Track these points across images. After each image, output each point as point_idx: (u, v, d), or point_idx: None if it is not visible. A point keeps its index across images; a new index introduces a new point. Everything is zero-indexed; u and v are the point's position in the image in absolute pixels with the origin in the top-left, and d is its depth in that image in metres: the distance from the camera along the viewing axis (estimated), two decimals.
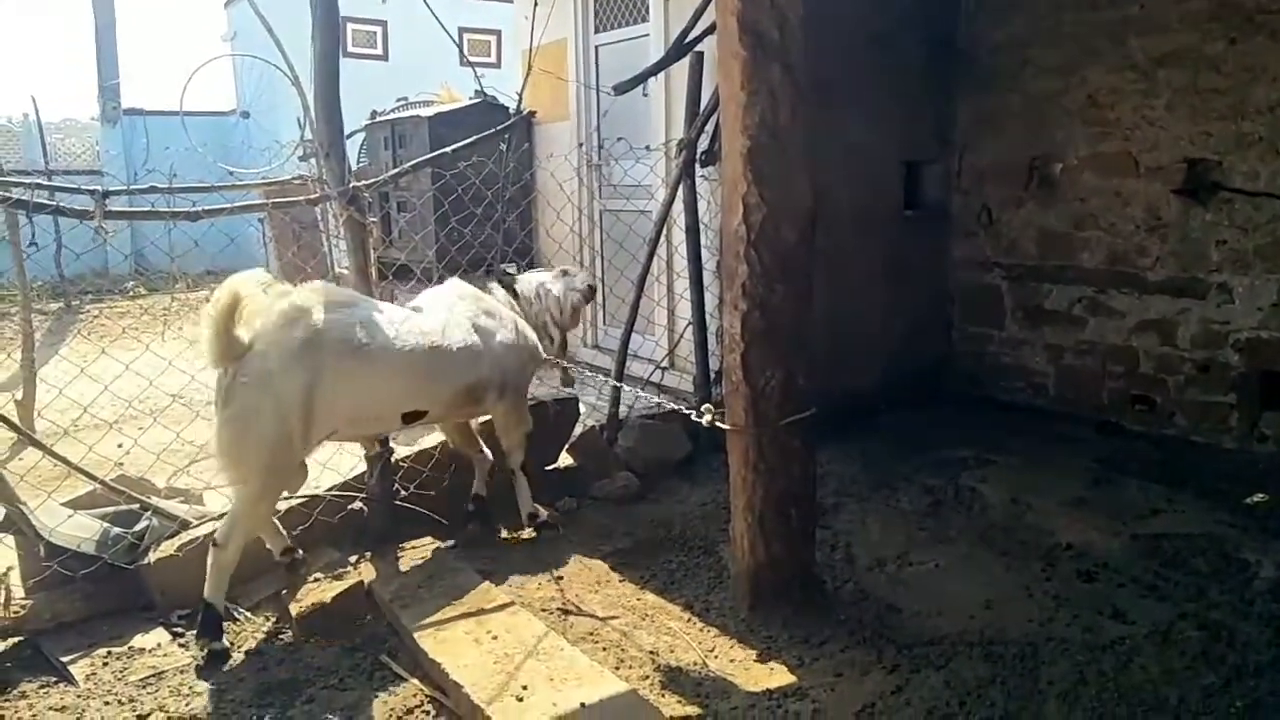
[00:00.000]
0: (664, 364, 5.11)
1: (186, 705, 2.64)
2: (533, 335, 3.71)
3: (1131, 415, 4.77)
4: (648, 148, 5.22)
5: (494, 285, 3.74)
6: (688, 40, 4.63)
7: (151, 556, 3.18)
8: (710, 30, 4.32)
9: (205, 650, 2.87)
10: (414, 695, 2.66)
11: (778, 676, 2.61)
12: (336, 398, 2.94)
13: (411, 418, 3.27)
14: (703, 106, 4.71)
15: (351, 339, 2.97)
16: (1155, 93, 4.64)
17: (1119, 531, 3.41)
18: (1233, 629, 2.74)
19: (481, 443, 3.75)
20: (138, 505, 3.35)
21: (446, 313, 3.37)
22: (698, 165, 4.75)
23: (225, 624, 2.98)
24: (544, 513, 3.71)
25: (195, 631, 2.93)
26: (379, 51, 11.66)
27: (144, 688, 2.74)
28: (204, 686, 2.73)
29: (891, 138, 5.27)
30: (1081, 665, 2.58)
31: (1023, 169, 5.22)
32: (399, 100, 7.04)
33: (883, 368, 5.15)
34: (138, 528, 3.27)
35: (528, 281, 3.84)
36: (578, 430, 4.34)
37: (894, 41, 5.18)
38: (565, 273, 3.96)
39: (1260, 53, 4.26)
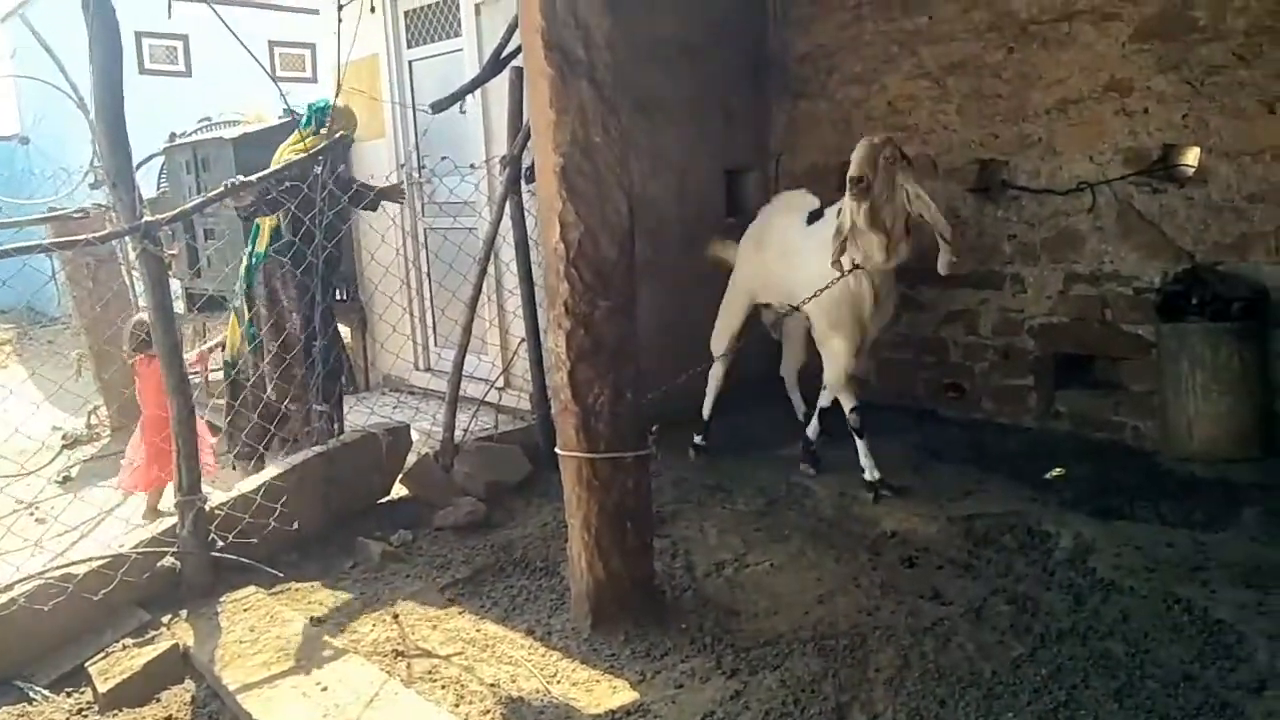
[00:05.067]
0: (499, 384, 5.03)
1: None
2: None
3: (945, 402, 5.08)
4: (472, 166, 5.14)
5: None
6: (503, 56, 4.58)
7: None
8: None
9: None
10: None
11: (620, 695, 2.60)
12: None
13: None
14: (525, 122, 4.67)
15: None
16: (947, 99, 4.96)
17: (936, 516, 3.60)
18: (1037, 600, 2.95)
19: None
20: None
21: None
22: (523, 182, 4.71)
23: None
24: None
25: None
26: (180, 67, 10.94)
27: None
28: None
29: (712, 148, 5.41)
30: (905, 649, 2.71)
31: (834, 173, 5.40)
32: (201, 121, 6.62)
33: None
34: None
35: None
36: (411, 459, 4.21)
37: (709, 53, 5.31)
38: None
39: (1035, 60, 4.62)
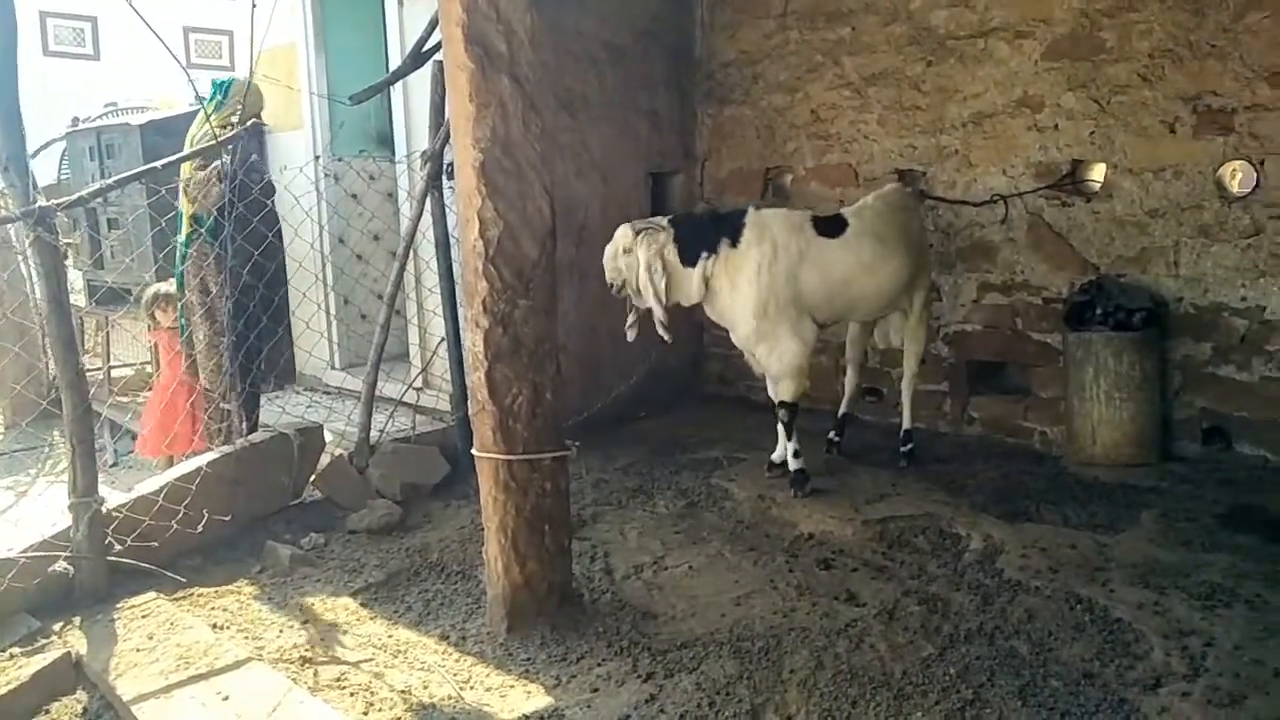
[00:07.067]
0: (418, 384, 4.93)
1: None
2: None
3: (863, 407, 5.15)
4: (391, 160, 5.03)
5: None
6: (425, 49, 4.49)
7: None
8: None
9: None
10: None
11: (534, 700, 2.56)
12: None
13: None
14: (446, 118, 4.59)
15: None
16: (868, 109, 5.05)
17: (852, 518, 3.66)
18: (947, 600, 3.01)
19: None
20: None
21: None
22: (444, 178, 4.63)
23: None
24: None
25: None
26: (88, 50, 10.44)
27: None
28: None
29: (637, 149, 5.40)
30: (819, 651, 2.73)
31: (758, 179, 5.52)
32: (107, 105, 6.33)
33: (639, 373, 5.26)
34: None
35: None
36: (324, 460, 4.10)
37: (636, 55, 5.31)
38: None
39: (952, 74, 4.74)
